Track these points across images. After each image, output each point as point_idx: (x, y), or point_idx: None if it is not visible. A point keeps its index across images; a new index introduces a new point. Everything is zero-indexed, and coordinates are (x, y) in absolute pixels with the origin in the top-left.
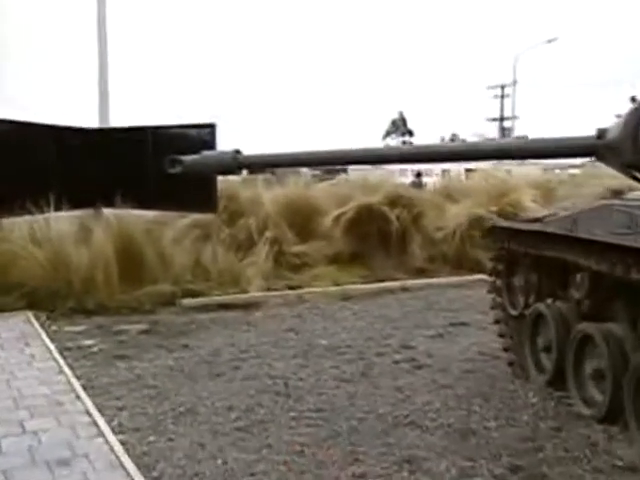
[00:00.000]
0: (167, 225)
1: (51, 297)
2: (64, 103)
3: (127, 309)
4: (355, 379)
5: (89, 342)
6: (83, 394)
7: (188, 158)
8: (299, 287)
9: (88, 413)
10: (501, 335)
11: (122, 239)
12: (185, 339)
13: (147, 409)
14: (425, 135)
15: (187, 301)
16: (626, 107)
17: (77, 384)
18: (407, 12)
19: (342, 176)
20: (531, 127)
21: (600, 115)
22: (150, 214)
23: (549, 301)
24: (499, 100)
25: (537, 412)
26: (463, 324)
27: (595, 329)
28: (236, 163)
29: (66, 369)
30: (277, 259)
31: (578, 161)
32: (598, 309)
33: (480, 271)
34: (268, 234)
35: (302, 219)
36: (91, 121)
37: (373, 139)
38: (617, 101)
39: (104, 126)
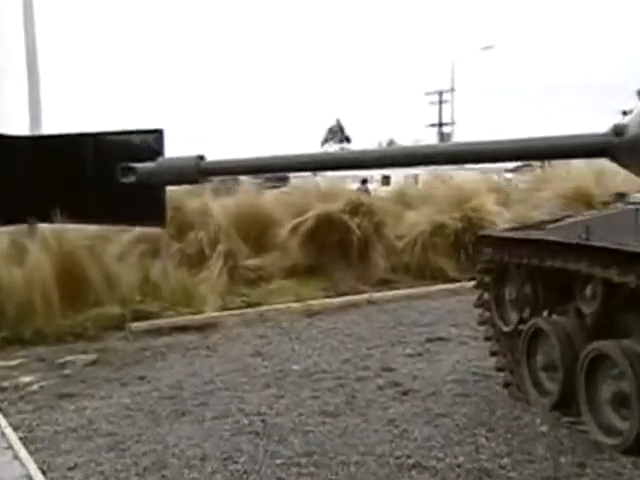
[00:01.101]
0: (110, 240)
1: None
2: None
3: (70, 336)
4: (340, 411)
5: (28, 379)
6: (23, 451)
7: (143, 166)
8: (257, 304)
9: (30, 479)
10: (493, 353)
11: (61, 257)
12: (140, 370)
13: (104, 465)
14: (363, 142)
15: (137, 325)
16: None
17: (14, 437)
18: (344, 18)
19: (289, 184)
20: (470, 133)
21: (538, 121)
22: (90, 229)
23: (548, 315)
24: (437, 106)
25: (552, 443)
26: (440, 339)
27: (613, 347)
28: (199, 170)
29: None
30: (231, 274)
31: (511, 165)
32: (608, 324)
33: (444, 280)
34: (220, 247)
35: (255, 230)
36: (21, 128)
37: (311, 146)
38: (550, 107)
39: (36, 133)
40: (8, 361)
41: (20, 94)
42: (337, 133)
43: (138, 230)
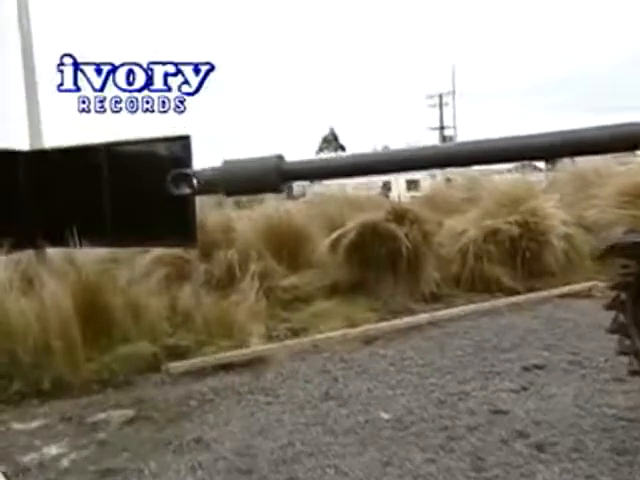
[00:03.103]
0: (125, 264)
1: None
2: None
3: (97, 384)
4: None
5: (54, 450)
6: None
7: (204, 171)
8: (303, 330)
9: None
10: None
11: (79, 286)
12: (191, 428)
13: None
14: (357, 149)
15: (175, 365)
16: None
17: None
18: (340, 20)
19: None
20: (471, 135)
21: (544, 121)
22: (101, 252)
23: None
24: (437, 110)
25: None
26: (538, 367)
27: None
28: (280, 174)
29: None
30: (267, 296)
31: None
32: None
33: (500, 291)
34: (254, 267)
35: (287, 245)
36: (19, 143)
37: (306, 156)
38: (556, 106)
39: (37, 147)
40: (26, 423)
41: (16, 104)
42: (332, 142)
43: (156, 251)
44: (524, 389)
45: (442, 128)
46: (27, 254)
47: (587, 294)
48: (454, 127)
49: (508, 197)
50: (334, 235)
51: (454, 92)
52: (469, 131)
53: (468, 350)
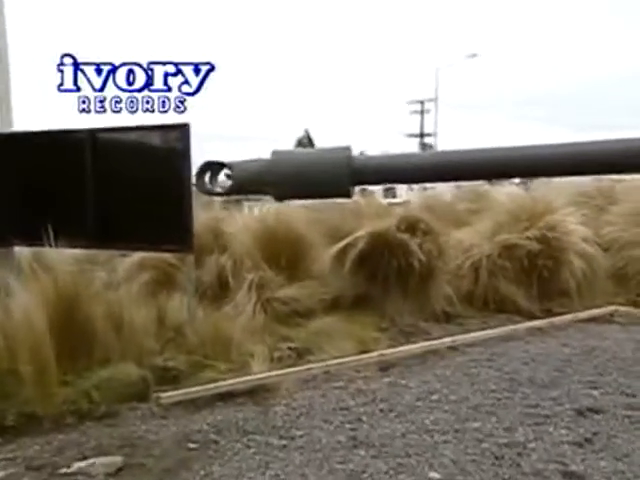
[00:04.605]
0: (104, 265)
1: None
2: None
3: (74, 415)
4: None
5: None
6: None
7: (247, 164)
8: (307, 351)
9: None
10: None
11: (53, 294)
12: None
13: None
14: None
15: (167, 395)
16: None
17: None
18: (320, 22)
19: None
20: (452, 144)
21: (528, 133)
22: (74, 253)
23: None
24: (416, 117)
25: None
26: (593, 411)
27: None
28: (352, 174)
29: None
30: (265, 310)
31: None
32: None
33: (516, 313)
34: (251, 276)
35: (284, 253)
36: None
37: None
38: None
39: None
40: None
41: None
42: (306, 145)
43: (139, 254)
44: (587, 441)
45: (422, 135)
46: None
47: (609, 319)
48: (434, 135)
49: (524, 210)
50: (341, 244)
51: (437, 99)
52: (450, 140)
53: (501, 384)
